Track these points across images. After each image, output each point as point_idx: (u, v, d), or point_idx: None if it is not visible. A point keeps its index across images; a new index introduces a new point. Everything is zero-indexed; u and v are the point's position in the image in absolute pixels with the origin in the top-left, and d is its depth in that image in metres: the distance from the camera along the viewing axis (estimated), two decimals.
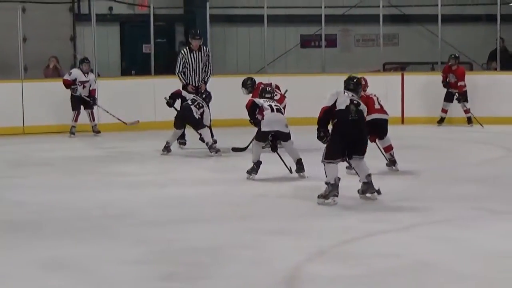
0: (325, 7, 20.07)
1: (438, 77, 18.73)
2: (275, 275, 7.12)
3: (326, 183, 10.04)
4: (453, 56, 19.01)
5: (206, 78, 16.69)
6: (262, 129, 12.28)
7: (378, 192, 10.31)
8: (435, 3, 19.72)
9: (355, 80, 10.79)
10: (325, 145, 10.27)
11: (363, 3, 22.06)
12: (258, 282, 7.01)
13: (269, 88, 13.87)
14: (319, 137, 10.33)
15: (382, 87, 18.97)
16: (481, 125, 18.58)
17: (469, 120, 18.81)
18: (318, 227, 9.07)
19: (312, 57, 21.12)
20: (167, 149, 15.05)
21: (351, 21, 22.31)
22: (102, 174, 13.26)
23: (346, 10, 21.73)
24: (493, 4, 19.78)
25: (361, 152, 10.21)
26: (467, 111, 18.68)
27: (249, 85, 15.77)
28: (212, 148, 15.03)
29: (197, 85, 16.45)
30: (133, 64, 20.98)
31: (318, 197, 10.05)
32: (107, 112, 16.00)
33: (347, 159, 10.41)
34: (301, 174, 12.38)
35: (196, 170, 13.73)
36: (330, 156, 10.08)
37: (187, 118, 15.33)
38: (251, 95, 14.88)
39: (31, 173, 13.49)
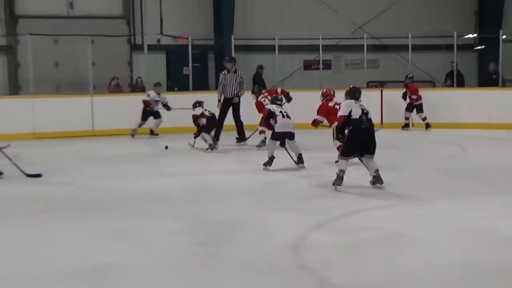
0: (322, 38, 20.11)
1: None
2: (282, 243, 7.19)
3: (337, 173, 10.01)
4: (408, 76, 18.95)
5: (240, 93, 16.72)
6: (276, 131, 12.39)
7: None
8: (406, 35, 19.70)
9: (359, 91, 10.93)
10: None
11: (352, 36, 22.00)
12: (269, 247, 7.07)
13: (280, 96, 14.02)
14: (337, 139, 10.48)
15: (365, 100, 18.93)
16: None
17: (427, 126, 18.68)
18: (315, 206, 9.09)
19: (312, 77, 21.08)
20: (210, 147, 15.11)
21: (342, 49, 22.20)
22: (151, 166, 13.26)
23: (338, 41, 21.65)
24: (451, 37, 19.62)
25: (372, 152, 10.09)
26: (424, 118, 18.58)
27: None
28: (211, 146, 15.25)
29: (231, 97, 16.53)
30: (176, 82, 20.95)
31: (333, 183, 10.03)
32: (182, 108, 15.96)
33: (359, 157, 10.31)
34: (301, 165, 12.43)
35: (221, 163, 13.68)
36: (345, 154, 10.07)
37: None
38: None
39: (96, 164, 13.51)
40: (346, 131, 10.11)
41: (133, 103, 17.77)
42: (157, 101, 17.64)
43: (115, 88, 19.63)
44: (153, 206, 9.33)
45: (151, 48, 20.23)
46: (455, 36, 19.82)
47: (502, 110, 18.01)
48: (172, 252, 7.04)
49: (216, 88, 17.49)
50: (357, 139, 10.05)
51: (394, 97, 18.88)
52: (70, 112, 17.71)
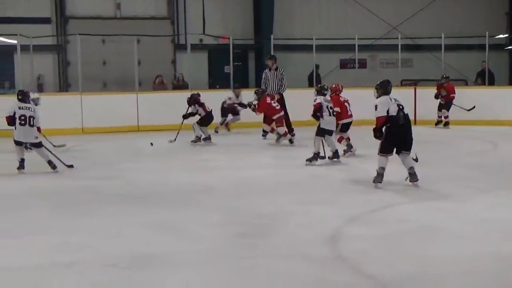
0: (358, 38, 20.07)
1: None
2: (319, 234, 7.22)
3: (377, 170, 9.88)
4: (444, 76, 18.58)
5: (281, 90, 16.79)
6: (322, 127, 12.14)
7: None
8: (439, 35, 19.57)
9: (390, 84, 10.61)
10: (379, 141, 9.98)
11: (387, 36, 21.90)
12: (307, 239, 7.09)
13: (326, 86, 13.33)
14: (376, 137, 9.99)
15: (399, 97, 18.85)
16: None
17: (446, 124, 18.51)
18: (351, 200, 9.10)
19: (348, 75, 20.99)
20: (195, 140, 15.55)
21: (377, 49, 22.10)
22: (195, 161, 13.29)
23: (373, 41, 21.53)
24: (482, 37, 19.47)
25: (408, 148, 9.91)
26: (446, 116, 18.38)
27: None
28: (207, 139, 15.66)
29: (273, 94, 16.55)
30: (217, 80, 21.01)
31: (374, 181, 9.90)
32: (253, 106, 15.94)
33: (397, 153, 10.04)
34: (335, 159, 12.34)
35: (261, 157, 13.60)
36: (384, 150, 9.84)
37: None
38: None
39: (142, 159, 13.57)
40: (383, 129, 9.93)
41: (176, 99, 17.67)
42: (234, 103, 17.96)
43: (159, 85, 19.73)
44: (196, 199, 9.34)
45: (194, 47, 20.27)
46: (487, 36, 19.66)
47: None
48: (214, 243, 7.08)
49: (256, 86, 17.66)
50: (395, 136, 9.87)
51: (428, 95, 18.70)
52: (117, 108, 17.83)
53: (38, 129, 11.91)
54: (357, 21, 22.14)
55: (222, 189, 10.06)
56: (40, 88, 19.42)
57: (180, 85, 20.19)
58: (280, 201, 9.09)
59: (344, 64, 21.98)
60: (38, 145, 11.80)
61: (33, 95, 13.39)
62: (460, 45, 21.03)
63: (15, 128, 11.76)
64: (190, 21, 21.36)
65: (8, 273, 6.07)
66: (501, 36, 22.29)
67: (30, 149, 12.10)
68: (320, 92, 12.64)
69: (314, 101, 12.38)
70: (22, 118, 11.67)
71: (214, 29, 21.28)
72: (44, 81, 19.84)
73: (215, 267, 6.26)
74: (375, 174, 9.91)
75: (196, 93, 16.03)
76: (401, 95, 18.64)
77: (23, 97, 12.01)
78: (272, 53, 19.67)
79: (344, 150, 13.12)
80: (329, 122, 12.29)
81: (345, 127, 13.35)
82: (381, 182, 9.88)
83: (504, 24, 23.44)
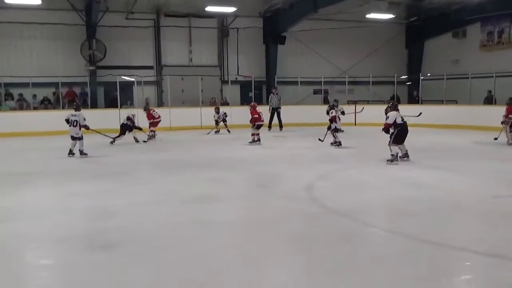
0: (324, 77, 20.08)
1: (368, 106, 18.41)
2: (301, 185, 7.22)
3: (392, 155, 9.19)
4: (390, 100, 15.82)
5: (279, 105, 17.34)
6: (397, 135, 9.28)
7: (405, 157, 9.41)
8: (369, 75, 19.44)
9: (396, 104, 9.66)
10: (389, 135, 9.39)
11: (340, 76, 21.79)
12: (294, 187, 7.11)
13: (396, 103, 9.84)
14: (385, 132, 9.40)
15: (346, 110, 18.84)
16: None
17: None
18: (319, 167, 8.99)
19: (318, 98, 20.92)
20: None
21: (334, 83, 21.79)
22: (234, 144, 13.01)
23: (332, 78, 21.42)
24: (393, 76, 19.39)
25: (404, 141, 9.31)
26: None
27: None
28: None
29: (275, 107, 17.25)
30: (245, 100, 20.77)
31: (387, 161, 9.16)
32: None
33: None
34: (406, 159, 9.44)
35: (273, 143, 13.24)
36: (396, 142, 9.18)
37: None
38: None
39: (203, 144, 13.44)
40: (391, 130, 9.31)
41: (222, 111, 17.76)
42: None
43: (213, 103, 19.70)
44: (233, 165, 9.34)
45: (232, 82, 20.20)
46: (395, 76, 19.70)
47: (422, 116, 17.87)
48: (244, 189, 7.18)
49: (267, 103, 17.77)
50: (402, 134, 9.26)
51: (364, 109, 18.59)
52: (189, 116, 17.83)
53: (85, 126, 10.58)
54: (323, 67, 21.95)
55: (249, 160, 10.00)
56: (148, 105, 19.52)
57: (224, 103, 20.18)
58: (280, 167, 9.10)
59: (315, 92, 21.81)
60: (79, 138, 10.57)
61: (129, 114, 13.63)
62: (380, 81, 20.84)
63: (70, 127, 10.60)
64: (230, 67, 21.30)
65: (135, 205, 6.19)
66: (403, 77, 22.15)
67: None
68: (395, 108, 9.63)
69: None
70: (73, 122, 10.54)
71: (243, 72, 21.22)
72: (149, 101, 19.93)
73: (244, 203, 6.36)
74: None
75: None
76: (348, 109, 18.85)
77: (77, 107, 10.91)
78: (276, 85, 19.82)
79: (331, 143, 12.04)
80: (404, 131, 9.39)
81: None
82: (395, 162, 9.14)
83: (405, 70, 23.26)
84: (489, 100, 17.94)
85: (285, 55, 21.61)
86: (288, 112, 17.99)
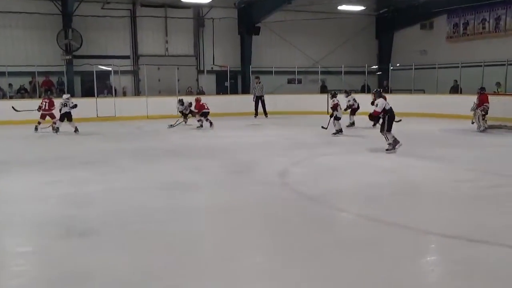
0: (297, 67, 20.11)
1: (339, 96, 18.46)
2: (275, 171, 7.27)
3: (389, 143, 9.01)
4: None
5: (262, 93, 17.64)
6: (389, 121, 9.19)
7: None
8: (341, 66, 19.56)
9: (380, 90, 9.49)
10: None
11: (313, 66, 21.83)
12: (268, 173, 7.17)
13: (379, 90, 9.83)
14: (372, 119, 9.42)
15: (319, 99, 18.94)
16: None
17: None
18: (294, 153, 8.99)
19: (292, 87, 20.88)
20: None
21: (307, 73, 21.84)
22: (211, 133, 13.02)
23: (305, 68, 21.43)
24: (363, 66, 19.55)
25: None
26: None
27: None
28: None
29: (258, 95, 17.50)
30: (221, 90, 20.83)
31: (386, 150, 8.92)
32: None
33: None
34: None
35: (247, 131, 13.31)
36: (390, 129, 9.02)
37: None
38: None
39: (180, 132, 13.38)
40: (380, 119, 9.18)
41: None
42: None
43: (189, 93, 19.51)
44: (210, 153, 9.32)
45: (208, 72, 20.11)
46: (366, 66, 19.89)
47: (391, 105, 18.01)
48: (219, 176, 7.17)
49: (243, 92, 17.77)
50: (392, 120, 9.16)
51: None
52: (166, 104, 17.68)
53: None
54: (296, 57, 21.95)
55: (225, 148, 9.97)
56: (124, 93, 19.32)
57: (200, 93, 20.02)
58: (255, 153, 9.11)
59: (289, 81, 21.76)
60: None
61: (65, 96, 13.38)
62: (352, 71, 20.88)
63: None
64: (206, 57, 21.09)
65: (112, 191, 6.16)
66: (374, 67, 22.30)
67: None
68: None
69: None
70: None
71: (219, 61, 21.06)
72: (127, 89, 19.70)
73: (219, 188, 6.36)
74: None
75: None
76: (320, 98, 19.00)
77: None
78: (250, 76, 19.83)
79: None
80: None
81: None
82: (393, 149, 8.94)
83: (375, 60, 23.42)
84: (455, 89, 18.23)
85: (260, 45, 21.53)
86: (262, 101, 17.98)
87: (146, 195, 6.00)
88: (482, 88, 12.95)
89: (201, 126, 13.93)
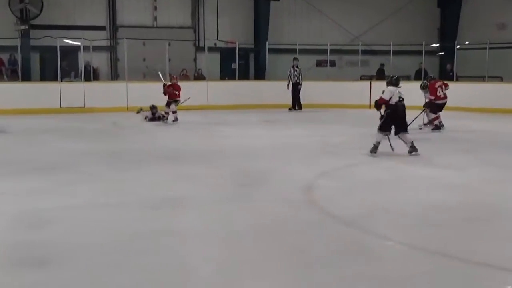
0: (330, 44, 20.06)
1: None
2: (297, 185, 7.26)
3: (374, 143, 9.35)
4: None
5: (300, 80, 18.09)
6: (386, 120, 9.50)
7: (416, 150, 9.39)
8: (389, 43, 19.57)
9: (396, 78, 9.61)
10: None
11: (351, 43, 21.85)
12: (288, 188, 7.16)
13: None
14: (376, 107, 9.57)
15: (360, 88, 18.93)
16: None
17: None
18: (321, 161, 9.09)
19: (323, 72, 20.90)
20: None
21: (343, 52, 21.92)
22: (210, 131, 13.20)
23: (341, 46, 21.41)
24: (420, 45, 19.47)
25: (405, 129, 9.50)
26: None
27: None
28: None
29: (294, 82, 18.10)
30: (226, 74, 20.94)
31: (370, 152, 9.30)
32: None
33: (396, 134, 9.50)
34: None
35: (257, 130, 13.37)
36: (382, 129, 9.35)
37: None
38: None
39: (169, 128, 13.52)
40: (382, 110, 9.43)
41: (196, 87, 17.81)
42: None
43: (184, 77, 19.68)
44: (209, 158, 9.37)
45: (210, 49, 20.19)
46: (423, 45, 19.70)
47: (456, 97, 17.90)
48: (222, 189, 7.17)
49: (255, 77, 17.84)
50: (392, 119, 9.35)
51: (379, 86, 18.61)
52: (152, 92, 17.71)
53: None
54: (329, 31, 22.02)
55: (230, 151, 10.05)
56: (97, 77, 19.44)
57: (199, 77, 20.18)
58: (271, 160, 9.15)
59: (319, 63, 21.85)
60: None
61: None
62: (404, 51, 20.88)
63: None
64: (207, 29, 21.28)
65: (77, 209, 6.15)
66: (434, 45, 22.23)
67: None
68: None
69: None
70: None
71: (225, 36, 21.19)
72: (101, 72, 19.82)
73: (222, 207, 6.34)
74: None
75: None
76: (361, 86, 19.02)
77: None
78: (267, 55, 19.94)
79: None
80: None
81: None
82: (375, 153, 9.34)
83: (436, 37, 23.38)
84: None
85: (280, 14, 21.60)
86: (282, 89, 18.03)
87: (123, 214, 5.99)
88: None
89: (167, 119, 14.27)
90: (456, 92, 14.60)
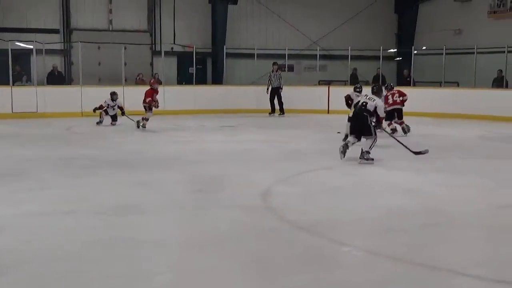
0: (288, 49, 20.17)
1: (348, 88, 18.51)
2: (255, 191, 7.23)
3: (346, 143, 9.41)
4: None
5: (281, 88, 18.27)
6: (350, 116, 10.12)
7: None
8: (347, 48, 19.78)
9: (376, 87, 9.81)
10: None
11: (309, 48, 22.03)
12: (248, 192, 7.17)
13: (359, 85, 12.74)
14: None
15: (318, 93, 19.06)
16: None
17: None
18: (279, 167, 9.08)
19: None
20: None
21: (301, 57, 22.16)
22: (168, 136, 13.11)
23: (299, 51, 21.57)
24: (378, 50, 19.72)
25: (365, 134, 9.38)
26: None
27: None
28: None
29: (274, 87, 18.24)
30: (184, 78, 20.88)
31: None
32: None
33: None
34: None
35: (216, 135, 13.41)
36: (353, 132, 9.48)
37: None
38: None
39: (129, 135, 13.36)
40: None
41: None
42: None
43: (139, 81, 19.58)
44: (165, 164, 9.29)
45: (167, 53, 20.15)
46: (381, 50, 19.92)
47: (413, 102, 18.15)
48: (178, 196, 7.12)
49: (213, 82, 17.81)
50: (352, 124, 9.61)
51: (337, 91, 18.74)
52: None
53: None
54: (287, 36, 22.15)
55: (187, 157, 9.99)
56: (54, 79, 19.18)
57: (156, 81, 19.99)
58: (227, 166, 9.13)
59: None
60: None
61: None
62: (362, 56, 21.13)
63: None
64: (164, 33, 21.20)
65: (29, 216, 6.05)
66: (391, 50, 22.53)
67: None
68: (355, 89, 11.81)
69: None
70: None
71: (182, 40, 21.15)
72: (57, 71, 19.57)
73: (177, 215, 6.30)
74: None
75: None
76: (319, 91, 19.16)
77: None
78: (224, 60, 19.97)
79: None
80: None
81: None
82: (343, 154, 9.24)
83: (394, 42, 23.72)
84: (499, 81, 18.45)
85: (238, 19, 21.65)
86: (240, 94, 18.07)
87: (75, 222, 5.89)
88: None
89: (144, 126, 14.02)
90: (413, 97, 14.80)
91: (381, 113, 9.46)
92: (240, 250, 5.13)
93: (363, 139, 9.45)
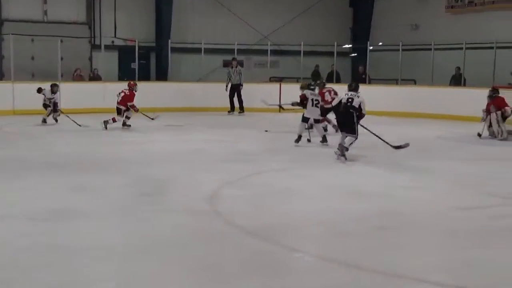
0: (237, 44, 20.15)
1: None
2: (201, 194, 7.27)
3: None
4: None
5: (240, 81, 18.33)
6: (305, 115, 11.56)
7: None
8: (299, 43, 19.92)
9: (354, 85, 10.51)
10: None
11: (259, 43, 22.10)
12: (194, 195, 7.23)
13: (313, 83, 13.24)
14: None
15: (269, 90, 19.12)
16: None
17: None
18: (227, 168, 9.08)
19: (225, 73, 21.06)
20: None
21: (252, 53, 22.19)
22: (110, 137, 12.96)
23: (249, 46, 21.61)
24: (332, 45, 19.93)
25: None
26: None
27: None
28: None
29: (234, 84, 18.29)
30: (125, 74, 20.63)
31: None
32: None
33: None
34: (325, 143, 11.54)
35: (161, 135, 13.27)
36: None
37: None
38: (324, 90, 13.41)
39: (65, 135, 13.14)
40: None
41: (91, 88, 17.86)
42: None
43: (77, 77, 19.35)
44: (106, 166, 9.21)
45: (107, 47, 19.96)
46: (335, 45, 20.14)
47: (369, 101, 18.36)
48: (120, 200, 7.08)
49: (157, 78, 17.73)
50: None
51: (289, 89, 18.83)
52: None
53: None
54: (237, 30, 22.16)
55: (132, 159, 9.94)
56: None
57: (95, 77, 19.83)
58: (173, 168, 9.10)
59: (226, 64, 21.89)
60: None
61: None
62: (315, 52, 21.25)
63: None
64: (104, 26, 20.98)
65: None
66: (346, 46, 22.74)
67: None
68: (308, 87, 12.12)
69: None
70: None
71: (123, 33, 20.97)
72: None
73: (119, 219, 6.28)
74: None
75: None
76: (270, 89, 19.20)
77: None
78: (169, 54, 19.91)
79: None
80: (310, 111, 11.64)
81: None
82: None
83: (348, 37, 23.98)
84: (457, 79, 18.85)
85: (184, 11, 21.58)
86: (186, 91, 18.01)
87: (8, 227, 5.83)
88: (494, 90, 13.22)
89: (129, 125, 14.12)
90: (368, 95, 14.94)
91: (364, 110, 10.03)
92: (186, 256, 5.14)
93: (344, 134, 9.92)
